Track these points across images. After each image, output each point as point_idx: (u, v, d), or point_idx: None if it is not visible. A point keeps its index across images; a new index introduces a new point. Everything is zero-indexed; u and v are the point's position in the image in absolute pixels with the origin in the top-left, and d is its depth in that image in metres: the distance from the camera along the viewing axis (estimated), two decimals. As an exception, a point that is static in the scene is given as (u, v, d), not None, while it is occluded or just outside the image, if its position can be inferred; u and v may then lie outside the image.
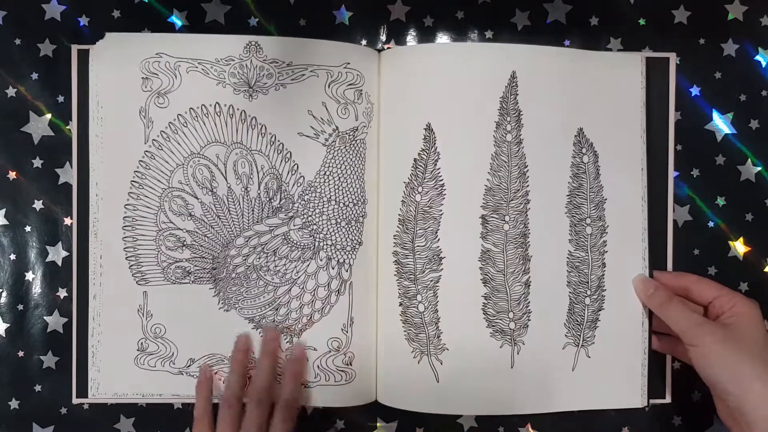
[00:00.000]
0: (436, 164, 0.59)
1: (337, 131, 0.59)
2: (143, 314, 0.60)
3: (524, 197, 0.59)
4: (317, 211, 0.59)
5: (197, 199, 0.60)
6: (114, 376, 0.60)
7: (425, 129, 0.59)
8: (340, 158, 0.59)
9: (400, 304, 0.59)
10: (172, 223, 0.60)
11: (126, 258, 0.60)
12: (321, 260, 0.59)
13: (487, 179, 0.59)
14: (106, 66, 0.60)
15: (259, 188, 0.60)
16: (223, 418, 0.56)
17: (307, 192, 0.60)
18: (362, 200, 0.60)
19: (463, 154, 0.59)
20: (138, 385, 0.60)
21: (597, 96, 0.60)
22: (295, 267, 0.60)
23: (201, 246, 0.60)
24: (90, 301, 0.60)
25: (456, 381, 0.59)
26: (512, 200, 0.59)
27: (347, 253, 0.60)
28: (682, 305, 0.56)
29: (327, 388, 0.60)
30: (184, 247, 0.60)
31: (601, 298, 0.60)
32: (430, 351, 0.59)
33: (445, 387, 0.59)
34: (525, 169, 0.59)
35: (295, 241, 0.60)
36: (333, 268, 0.59)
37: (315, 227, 0.59)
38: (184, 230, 0.60)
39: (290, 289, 0.60)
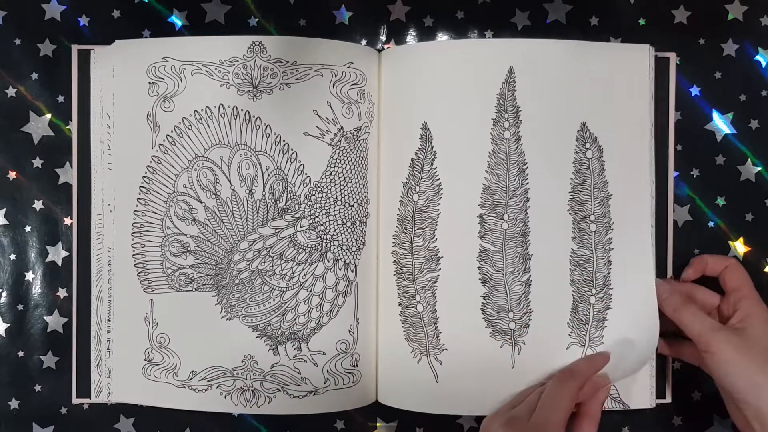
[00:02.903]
0: (432, 163, 0.59)
1: (342, 131, 0.59)
2: (149, 323, 0.60)
3: (523, 195, 0.59)
4: (324, 211, 0.59)
5: (201, 203, 0.60)
6: (125, 385, 0.60)
7: (422, 128, 0.59)
8: (345, 158, 0.59)
9: (400, 304, 0.59)
10: (176, 228, 0.60)
11: (134, 265, 0.60)
12: (328, 261, 0.59)
13: (485, 177, 0.59)
14: (114, 73, 0.60)
15: (264, 190, 0.59)
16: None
17: (314, 192, 0.59)
18: (365, 200, 0.60)
19: (459, 153, 0.59)
20: (146, 396, 0.60)
21: (601, 89, 0.59)
22: (303, 269, 0.59)
23: (204, 252, 0.60)
24: (92, 302, 0.60)
25: (455, 381, 0.59)
26: (511, 198, 0.59)
27: (353, 253, 0.60)
28: (696, 310, 0.55)
29: (335, 392, 0.59)
30: (187, 253, 0.60)
31: (607, 296, 0.59)
32: (429, 351, 0.59)
33: (444, 387, 0.59)
34: (524, 167, 0.59)
35: (302, 243, 0.59)
36: (340, 269, 0.59)
37: (322, 228, 0.59)
38: (188, 235, 0.60)
39: (297, 293, 0.59)
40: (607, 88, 0.59)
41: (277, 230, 0.59)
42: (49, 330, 0.62)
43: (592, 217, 0.59)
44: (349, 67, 0.59)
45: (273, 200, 0.59)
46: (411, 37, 0.63)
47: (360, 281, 0.60)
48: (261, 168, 0.59)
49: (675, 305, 0.56)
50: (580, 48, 0.59)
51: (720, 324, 0.54)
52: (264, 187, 0.59)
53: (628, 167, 0.59)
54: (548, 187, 0.59)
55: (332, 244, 0.59)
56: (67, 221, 0.62)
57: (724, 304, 0.55)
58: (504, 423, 0.51)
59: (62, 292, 0.62)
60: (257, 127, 0.59)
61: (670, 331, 0.59)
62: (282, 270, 0.59)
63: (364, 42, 0.63)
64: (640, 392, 0.60)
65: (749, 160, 0.63)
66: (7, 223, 0.62)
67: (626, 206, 0.59)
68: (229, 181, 0.59)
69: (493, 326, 0.59)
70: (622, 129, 0.59)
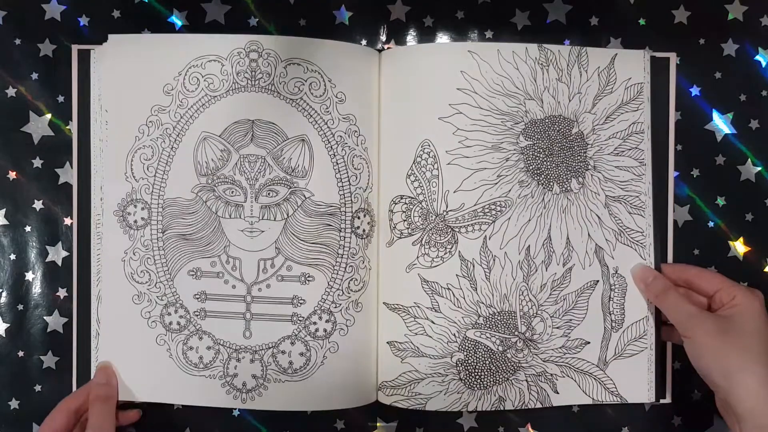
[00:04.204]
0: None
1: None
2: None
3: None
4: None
5: None
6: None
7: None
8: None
9: None
10: None
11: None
12: None
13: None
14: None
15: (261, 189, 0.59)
16: None
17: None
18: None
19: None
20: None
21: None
22: None
23: None
24: (92, 302, 0.60)
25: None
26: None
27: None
28: (678, 296, 0.56)
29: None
30: None
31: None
32: None
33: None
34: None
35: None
36: None
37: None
38: None
39: None
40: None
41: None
42: (49, 330, 0.62)
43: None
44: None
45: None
46: (411, 37, 0.63)
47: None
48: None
49: (657, 291, 0.57)
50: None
51: (699, 310, 0.54)
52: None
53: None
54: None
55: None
56: (67, 221, 0.62)
57: (719, 294, 0.55)
58: None
59: (62, 292, 0.62)
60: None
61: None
62: None
63: (364, 42, 0.63)
64: (638, 387, 0.60)
65: (749, 160, 0.63)
66: (7, 223, 0.62)
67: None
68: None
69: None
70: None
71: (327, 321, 0.59)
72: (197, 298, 0.59)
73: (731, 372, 0.51)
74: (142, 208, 0.59)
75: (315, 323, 0.59)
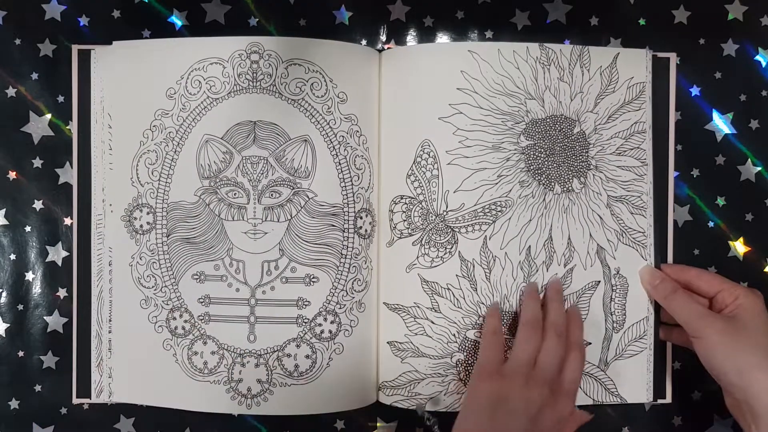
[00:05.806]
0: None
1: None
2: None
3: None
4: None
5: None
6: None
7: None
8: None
9: None
10: None
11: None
12: None
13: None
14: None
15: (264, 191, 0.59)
16: (527, 340, 0.54)
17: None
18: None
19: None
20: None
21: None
22: None
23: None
24: (93, 302, 0.60)
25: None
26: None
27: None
28: (686, 297, 0.56)
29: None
30: None
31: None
32: None
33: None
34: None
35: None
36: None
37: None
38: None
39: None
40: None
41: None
42: (49, 330, 0.62)
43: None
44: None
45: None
46: (411, 37, 0.63)
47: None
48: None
49: (665, 292, 0.57)
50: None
51: (708, 310, 0.55)
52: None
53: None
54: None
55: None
56: (67, 221, 0.62)
57: (721, 295, 0.56)
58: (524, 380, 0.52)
59: (62, 292, 0.62)
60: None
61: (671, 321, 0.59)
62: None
63: (364, 42, 0.63)
64: (637, 387, 0.60)
65: (749, 160, 0.63)
66: (7, 223, 0.62)
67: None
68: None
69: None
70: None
71: (332, 322, 0.59)
72: (201, 302, 0.59)
73: (745, 370, 0.51)
74: (148, 213, 0.60)
75: (320, 325, 0.59)
